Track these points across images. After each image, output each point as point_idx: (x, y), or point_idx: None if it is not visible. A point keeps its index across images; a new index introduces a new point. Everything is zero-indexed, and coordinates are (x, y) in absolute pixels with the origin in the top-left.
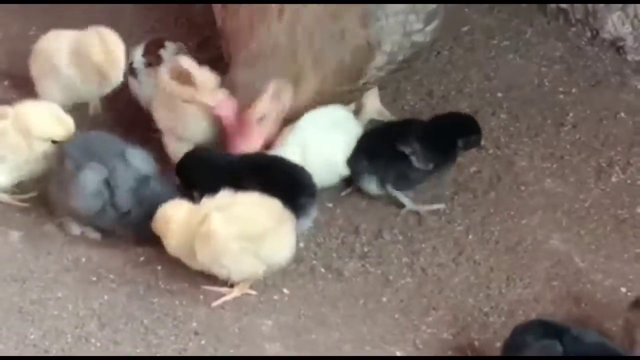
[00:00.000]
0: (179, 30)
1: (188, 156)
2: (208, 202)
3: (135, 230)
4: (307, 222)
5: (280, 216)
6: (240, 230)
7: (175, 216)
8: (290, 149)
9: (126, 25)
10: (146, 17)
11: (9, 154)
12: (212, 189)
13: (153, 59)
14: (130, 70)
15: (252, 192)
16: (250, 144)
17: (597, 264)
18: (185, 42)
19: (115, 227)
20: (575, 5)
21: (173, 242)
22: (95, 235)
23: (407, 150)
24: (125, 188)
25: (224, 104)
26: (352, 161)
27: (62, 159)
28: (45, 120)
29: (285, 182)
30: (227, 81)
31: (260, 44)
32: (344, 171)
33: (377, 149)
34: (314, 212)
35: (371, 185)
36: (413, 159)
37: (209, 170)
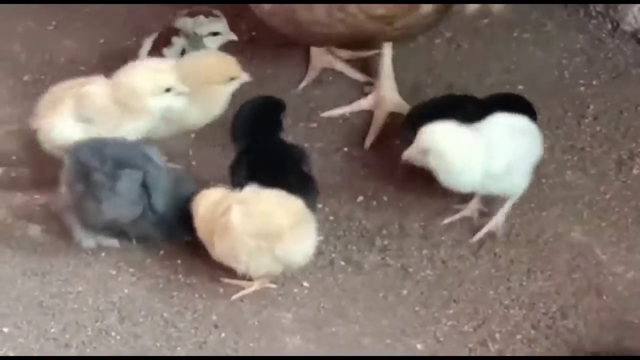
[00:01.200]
0: None
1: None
2: (233, 194)
3: (169, 233)
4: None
5: (300, 217)
6: (258, 227)
7: (204, 200)
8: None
9: (145, 20)
10: (165, 11)
11: (97, 117)
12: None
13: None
14: None
15: (276, 189)
16: None
17: (618, 256)
18: None
19: (151, 232)
20: None
21: (200, 227)
22: (113, 242)
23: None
24: (160, 188)
25: None
26: (403, 130)
27: (80, 177)
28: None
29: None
30: None
31: None
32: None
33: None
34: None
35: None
36: None
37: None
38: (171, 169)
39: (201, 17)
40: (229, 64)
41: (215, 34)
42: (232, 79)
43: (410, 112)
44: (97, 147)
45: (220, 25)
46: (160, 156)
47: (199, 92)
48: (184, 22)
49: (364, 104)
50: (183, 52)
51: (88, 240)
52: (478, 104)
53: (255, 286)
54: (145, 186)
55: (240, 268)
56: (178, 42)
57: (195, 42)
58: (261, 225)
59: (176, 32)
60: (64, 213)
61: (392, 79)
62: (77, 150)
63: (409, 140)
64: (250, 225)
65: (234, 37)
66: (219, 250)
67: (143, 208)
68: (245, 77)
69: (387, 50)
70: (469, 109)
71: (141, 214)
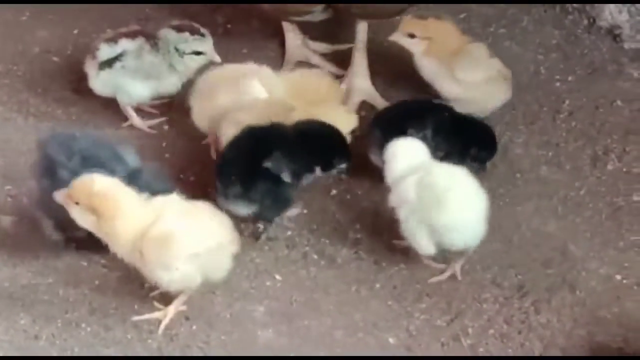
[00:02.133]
0: (174, 17)
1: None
2: (161, 202)
3: None
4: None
5: (229, 235)
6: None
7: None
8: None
9: (120, 11)
10: (141, 4)
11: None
12: None
13: None
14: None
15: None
16: None
17: (592, 251)
18: None
19: None
20: None
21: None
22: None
23: (414, 134)
24: None
25: None
26: (367, 134)
27: (47, 171)
28: None
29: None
30: None
31: None
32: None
33: (390, 126)
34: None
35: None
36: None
37: None
38: (146, 167)
39: (187, 34)
40: (338, 90)
41: (198, 53)
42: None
43: (378, 115)
44: (66, 141)
45: (206, 45)
46: (135, 157)
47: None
48: (167, 33)
49: None
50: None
51: (57, 233)
52: (450, 115)
53: (170, 314)
54: None
55: (161, 279)
56: (130, 44)
57: (170, 56)
58: (195, 238)
59: (150, 37)
60: (33, 206)
61: (364, 67)
62: (46, 143)
63: (375, 142)
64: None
65: (217, 59)
66: (147, 258)
67: None
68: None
69: (360, 36)
70: (439, 118)
71: None
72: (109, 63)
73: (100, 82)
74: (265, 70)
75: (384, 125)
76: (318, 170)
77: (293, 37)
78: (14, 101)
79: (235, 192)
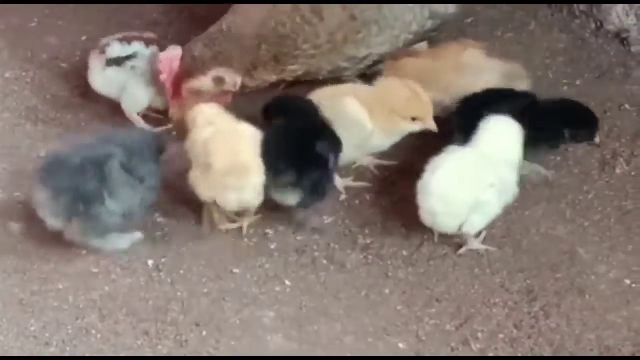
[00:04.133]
0: (182, 23)
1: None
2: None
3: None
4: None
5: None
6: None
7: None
8: None
9: (128, 17)
10: (149, 9)
11: None
12: None
13: None
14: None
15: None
16: (175, 108)
17: (601, 255)
18: (189, 35)
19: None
20: None
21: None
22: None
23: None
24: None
25: (165, 58)
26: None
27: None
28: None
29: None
30: (184, 48)
31: (228, 26)
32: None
33: (470, 112)
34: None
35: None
36: None
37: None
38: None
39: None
40: (420, 104)
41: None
42: (416, 119)
43: (461, 102)
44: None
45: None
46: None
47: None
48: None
49: None
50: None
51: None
52: (535, 104)
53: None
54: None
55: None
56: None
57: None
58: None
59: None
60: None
61: None
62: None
63: (458, 127)
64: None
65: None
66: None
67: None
68: (431, 126)
69: None
70: (522, 106)
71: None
72: (118, 61)
73: (103, 79)
74: (363, 88)
75: (465, 111)
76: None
77: None
78: (23, 107)
79: (287, 181)
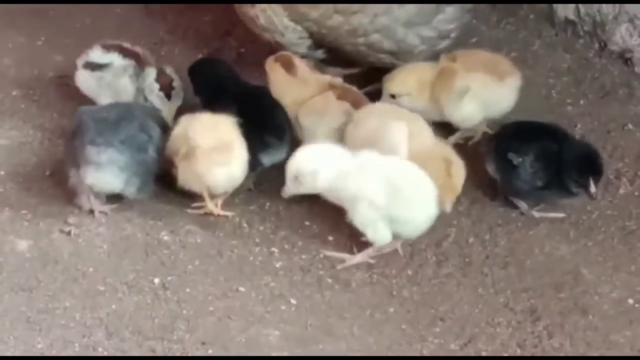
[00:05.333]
0: (188, 41)
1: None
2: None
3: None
4: (267, 160)
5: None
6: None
7: None
8: None
9: (135, 36)
10: (155, 28)
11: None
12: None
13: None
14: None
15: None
16: None
17: (604, 275)
18: (195, 52)
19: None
20: (583, 17)
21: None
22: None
23: (515, 160)
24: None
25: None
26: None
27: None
28: None
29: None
30: None
31: None
32: None
33: (500, 144)
34: (278, 155)
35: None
36: (520, 169)
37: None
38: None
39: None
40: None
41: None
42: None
43: (498, 130)
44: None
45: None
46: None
47: None
48: (151, 72)
49: None
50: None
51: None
52: (559, 144)
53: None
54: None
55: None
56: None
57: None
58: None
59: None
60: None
61: None
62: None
63: (489, 156)
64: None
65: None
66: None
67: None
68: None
69: None
70: (544, 147)
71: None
72: (91, 66)
73: (79, 78)
74: (417, 119)
75: (497, 142)
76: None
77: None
78: (30, 126)
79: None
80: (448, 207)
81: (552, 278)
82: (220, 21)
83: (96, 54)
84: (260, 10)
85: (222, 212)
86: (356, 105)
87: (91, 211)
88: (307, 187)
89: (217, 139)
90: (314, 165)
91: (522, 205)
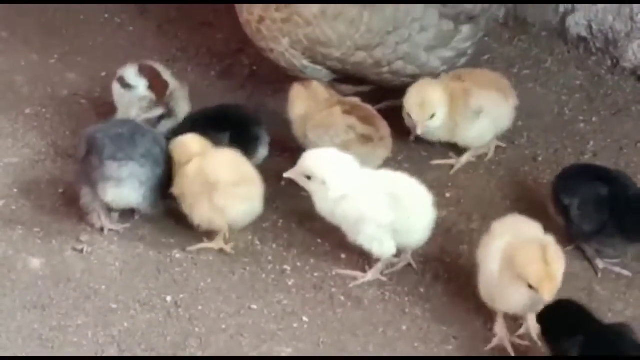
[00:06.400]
0: (200, 59)
1: None
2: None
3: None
4: (264, 151)
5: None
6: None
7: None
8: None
9: (147, 53)
10: (168, 46)
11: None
12: None
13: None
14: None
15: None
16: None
17: (617, 292)
18: (208, 70)
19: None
20: (595, 34)
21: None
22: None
23: (565, 200)
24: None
25: None
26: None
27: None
28: None
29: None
30: None
31: None
32: None
33: (557, 185)
34: (266, 138)
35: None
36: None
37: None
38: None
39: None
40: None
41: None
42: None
43: (563, 169)
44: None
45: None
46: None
47: None
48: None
49: None
50: None
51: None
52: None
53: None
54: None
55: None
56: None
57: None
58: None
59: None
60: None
61: None
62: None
63: (557, 204)
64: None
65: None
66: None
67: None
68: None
69: None
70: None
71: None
72: (121, 82)
73: (113, 86)
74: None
75: (554, 183)
76: None
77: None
78: (43, 144)
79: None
80: (547, 297)
81: (566, 294)
82: (233, 39)
83: (129, 73)
84: (279, 54)
85: (228, 249)
86: (365, 121)
87: (102, 229)
88: (310, 188)
89: (240, 171)
90: (325, 175)
91: (588, 250)
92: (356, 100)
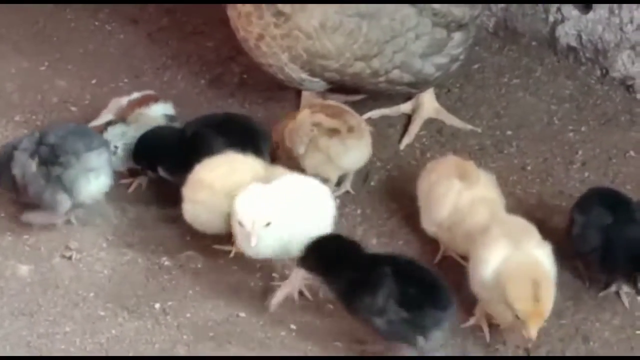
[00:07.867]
0: (191, 67)
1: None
2: None
3: None
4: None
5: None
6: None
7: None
8: None
9: (138, 62)
10: (158, 54)
11: None
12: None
13: None
14: None
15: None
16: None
17: (605, 302)
18: (198, 78)
19: None
20: (585, 44)
21: None
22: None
23: (578, 218)
24: None
25: None
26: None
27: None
28: None
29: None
30: None
31: None
32: None
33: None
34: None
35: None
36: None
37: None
38: None
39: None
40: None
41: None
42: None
43: (583, 197)
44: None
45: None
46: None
47: None
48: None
49: (403, 108)
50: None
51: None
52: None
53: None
54: None
55: None
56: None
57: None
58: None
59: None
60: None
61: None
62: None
63: (575, 222)
64: None
65: None
66: None
67: None
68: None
69: None
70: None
71: None
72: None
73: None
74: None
75: (574, 208)
76: None
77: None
78: None
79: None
80: (533, 334)
81: (553, 304)
82: (224, 47)
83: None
84: (278, 69)
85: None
86: (333, 116)
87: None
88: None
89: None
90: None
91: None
92: (333, 102)
